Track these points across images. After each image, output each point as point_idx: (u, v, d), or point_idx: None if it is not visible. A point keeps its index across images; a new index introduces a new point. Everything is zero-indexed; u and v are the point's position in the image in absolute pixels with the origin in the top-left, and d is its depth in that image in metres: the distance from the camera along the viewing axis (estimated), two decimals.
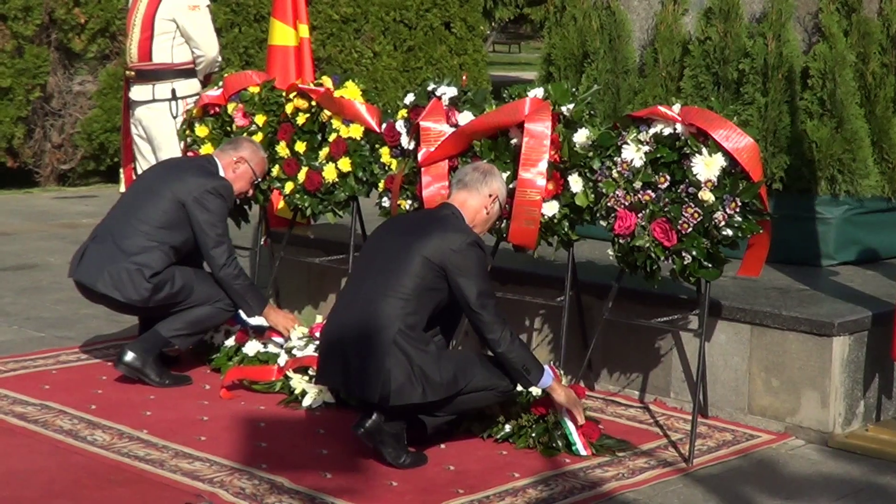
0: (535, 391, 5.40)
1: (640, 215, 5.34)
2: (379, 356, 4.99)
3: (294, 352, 6.11)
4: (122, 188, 8.50)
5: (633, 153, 5.38)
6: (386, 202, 6.38)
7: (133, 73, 8.17)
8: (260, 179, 6.67)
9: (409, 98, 6.34)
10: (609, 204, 5.44)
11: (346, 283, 5.54)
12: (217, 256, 6.24)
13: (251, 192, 6.67)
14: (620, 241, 5.42)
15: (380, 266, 5.20)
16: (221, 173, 6.42)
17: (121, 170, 8.65)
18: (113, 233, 6.25)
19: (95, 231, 6.39)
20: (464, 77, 6.77)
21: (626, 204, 5.37)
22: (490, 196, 5.39)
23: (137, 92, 8.16)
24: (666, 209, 5.27)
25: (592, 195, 5.55)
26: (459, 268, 5.11)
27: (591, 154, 5.56)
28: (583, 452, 5.25)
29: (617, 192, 5.40)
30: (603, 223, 5.51)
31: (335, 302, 5.40)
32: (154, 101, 8.11)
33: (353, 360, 5.08)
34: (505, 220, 5.78)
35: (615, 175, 5.43)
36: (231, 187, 6.37)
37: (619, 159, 5.42)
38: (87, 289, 6.25)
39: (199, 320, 6.30)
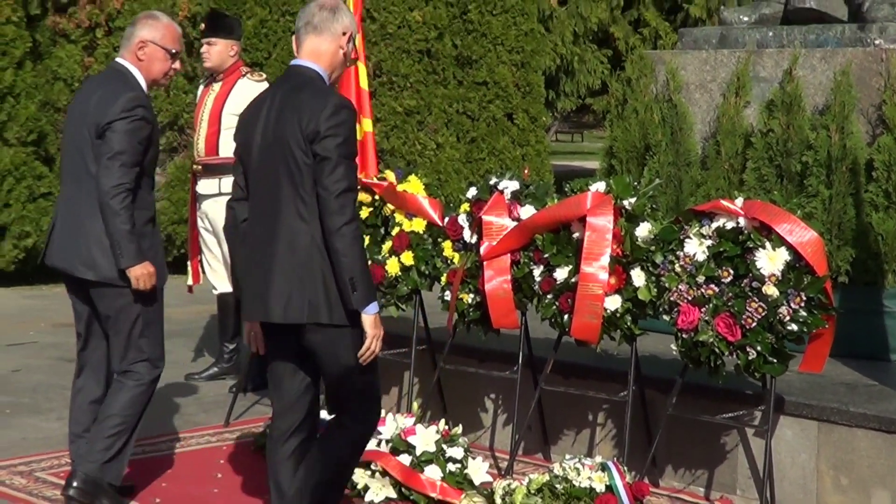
0: (597, 486, 5.36)
1: (703, 310, 5.31)
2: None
3: None
4: (190, 280, 8.58)
5: (696, 247, 5.38)
6: (448, 295, 6.39)
7: (200, 166, 8.28)
8: (176, 50, 5.87)
9: (472, 192, 6.38)
10: (672, 298, 5.42)
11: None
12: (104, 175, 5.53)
13: (174, 69, 5.94)
14: (684, 335, 5.40)
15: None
16: (132, 71, 5.80)
17: (188, 262, 8.72)
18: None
19: None
20: (525, 171, 6.80)
21: (690, 298, 5.36)
22: (344, 34, 4.91)
23: (204, 186, 8.26)
24: (730, 304, 5.24)
25: (655, 289, 5.54)
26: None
27: (653, 248, 5.55)
28: None
29: (680, 287, 5.39)
30: (666, 317, 5.49)
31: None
32: (220, 194, 8.19)
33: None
34: (567, 315, 5.77)
35: (678, 269, 5.41)
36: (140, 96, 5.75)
37: (681, 253, 5.41)
38: None
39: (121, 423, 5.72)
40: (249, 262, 4.84)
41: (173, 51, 5.87)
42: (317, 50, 4.89)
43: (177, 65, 5.97)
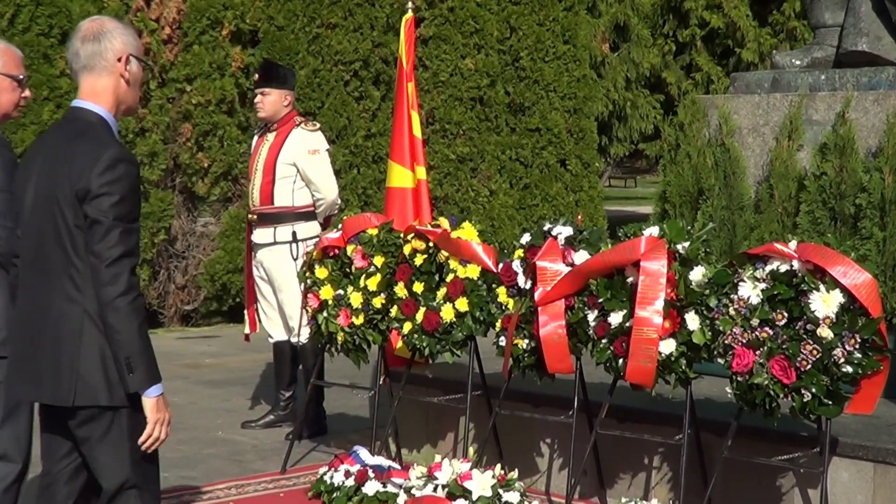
0: None
1: (758, 353, 5.31)
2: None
3: (413, 491, 6.13)
4: (247, 329, 8.66)
5: (750, 290, 5.38)
6: (503, 341, 6.42)
7: (255, 216, 8.36)
8: (23, 77, 5.26)
9: (526, 238, 6.42)
10: (726, 341, 5.42)
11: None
12: None
13: (23, 99, 5.28)
14: (739, 378, 5.40)
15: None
16: None
17: (244, 311, 8.80)
18: None
19: None
20: (579, 216, 6.83)
21: (744, 341, 5.36)
22: (119, 60, 4.27)
23: (259, 235, 8.34)
24: (784, 346, 5.24)
25: (709, 333, 5.54)
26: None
27: (707, 292, 5.56)
28: None
29: (734, 330, 5.39)
30: (721, 360, 5.49)
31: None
32: (275, 243, 8.27)
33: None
34: (622, 359, 5.78)
35: (732, 312, 5.42)
36: None
37: (735, 297, 5.42)
38: None
39: None
40: (20, 334, 4.32)
41: (20, 77, 5.22)
42: (93, 89, 4.27)
43: (27, 93, 5.32)
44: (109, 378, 4.09)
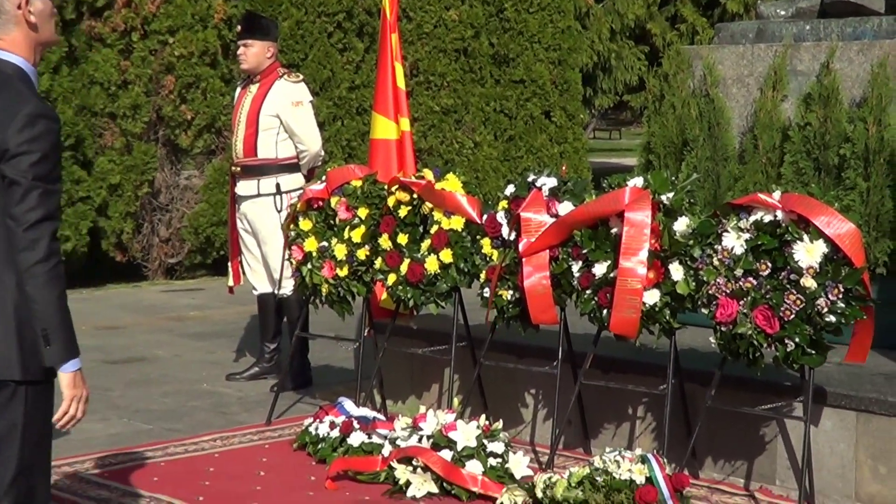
0: (637, 478, 5.37)
1: (741, 303, 5.33)
2: None
3: (398, 442, 6.15)
4: (231, 281, 8.65)
5: (734, 241, 5.39)
6: (487, 292, 6.42)
7: (238, 168, 8.34)
8: None
9: (510, 189, 6.41)
10: (710, 292, 5.44)
11: None
12: None
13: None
14: (722, 328, 5.41)
15: None
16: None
17: (228, 263, 8.79)
18: None
19: None
20: (563, 167, 6.82)
21: (728, 291, 5.37)
22: (19, 7, 3.95)
23: (243, 187, 8.32)
24: (768, 296, 5.25)
25: (693, 283, 5.55)
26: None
27: (691, 242, 5.57)
28: None
29: (718, 280, 5.40)
30: (704, 311, 5.51)
31: None
32: (259, 195, 8.25)
33: None
34: (606, 310, 5.79)
35: (716, 263, 5.43)
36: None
37: (719, 247, 5.43)
38: None
39: None
40: None
41: None
42: (3, 41, 3.96)
43: None
44: (24, 350, 3.81)
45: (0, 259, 3.80)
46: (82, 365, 3.86)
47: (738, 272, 5.35)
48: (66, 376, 3.81)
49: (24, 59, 3.96)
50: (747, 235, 5.37)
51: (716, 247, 5.45)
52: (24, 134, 3.76)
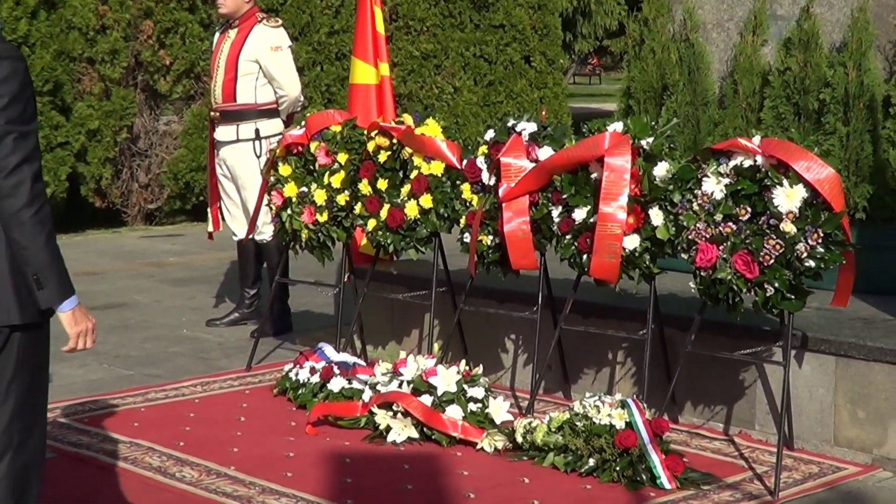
0: (617, 423, 5.40)
1: (721, 248, 5.33)
2: None
3: (378, 387, 6.16)
4: (210, 227, 8.63)
5: (714, 186, 5.39)
6: (467, 238, 6.42)
7: (217, 113, 8.30)
8: None
9: (490, 134, 6.39)
10: (690, 237, 5.44)
11: None
12: None
13: None
14: (702, 273, 5.42)
15: None
16: None
17: (208, 209, 8.77)
18: None
19: None
20: (543, 112, 6.81)
21: (707, 236, 5.37)
22: None
23: (222, 132, 8.28)
24: (747, 241, 5.26)
25: (673, 228, 5.55)
26: None
27: (671, 187, 5.56)
28: (667, 486, 5.24)
29: (698, 225, 5.41)
30: (684, 256, 5.51)
31: None
32: (238, 141, 8.22)
33: None
34: (586, 255, 5.80)
35: (696, 208, 5.43)
36: None
37: (699, 192, 5.42)
38: None
39: None
40: None
41: None
42: None
43: None
44: (20, 295, 3.76)
45: None
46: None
47: (718, 217, 5.35)
48: (65, 315, 3.82)
49: None
50: (727, 180, 5.37)
51: (695, 192, 5.45)
52: None
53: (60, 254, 3.80)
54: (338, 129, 7.04)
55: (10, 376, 3.81)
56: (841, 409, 5.69)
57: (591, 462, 5.41)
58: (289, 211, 7.12)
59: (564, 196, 5.93)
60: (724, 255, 5.32)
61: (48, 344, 3.94)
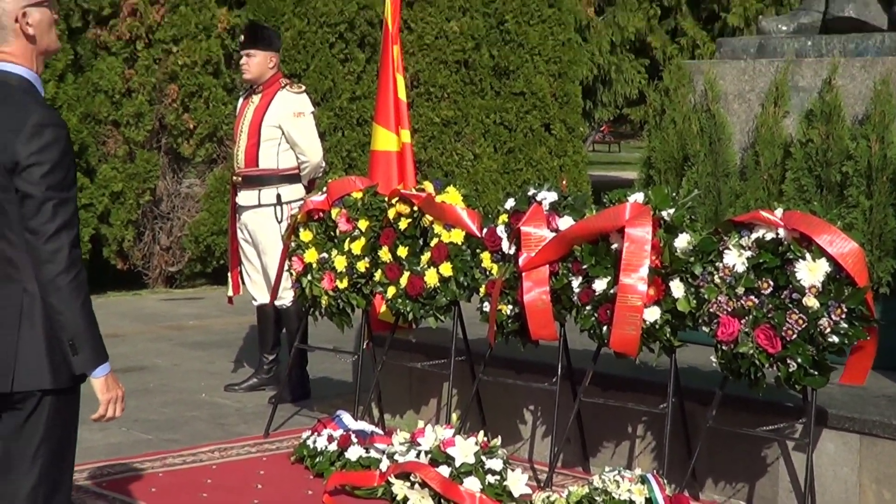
0: (637, 498, 5.34)
1: (743, 321, 5.30)
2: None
3: (396, 457, 6.11)
4: (230, 291, 8.63)
5: (736, 258, 5.37)
6: (487, 307, 6.40)
7: (239, 178, 8.32)
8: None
9: (510, 203, 6.39)
10: (711, 310, 5.41)
11: None
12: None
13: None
14: (724, 347, 5.39)
15: None
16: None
17: (228, 273, 8.77)
18: None
19: None
20: (563, 182, 6.80)
21: (729, 310, 5.34)
22: (16, 21, 3.90)
23: (244, 197, 8.30)
24: (770, 315, 5.23)
25: (694, 301, 5.53)
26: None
27: (692, 259, 5.54)
28: None
29: (719, 298, 5.38)
30: (705, 329, 5.48)
31: None
32: (259, 205, 8.24)
33: None
34: (606, 326, 5.77)
35: (717, 280, 5.40)
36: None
37: (721, 265, 5.40)
38: None
39: None
40: None
41: None
42: (5, 53, 3.93)
43: None
44: (54, 360, 3.82)
45: (25, 272, 3.81)
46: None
47: (740, 290, 5.32)
48: (98, 381, 3.87)
49: (26, 68, 3.93)
50: (749, 253, 5.35)
51: (717, 264, 5.43)
52: (33, 145, 3.74)
53: (95, 320, 3.85)
54: (359, 195, 7.05)
55: (39, 440, 3.86)
56: (866, 490, 5.62)
57: None
58: (309, 277, 7.12)
59: (585, 266, 5.91)
60: (746, 329, 5.28)
61: (78, 409, 3.98)
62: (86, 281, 3.84)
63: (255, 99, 8.35)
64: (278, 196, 8.21)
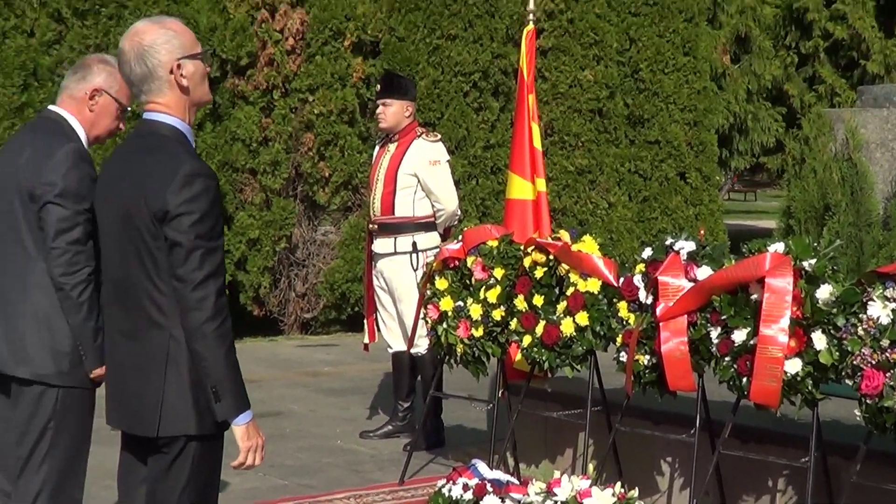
0: None
1: (888, 375, 5.19)
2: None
3: None
4: (366, 338, 8.69)
5: (880, 310, 5.26)
6: (623, 357, 6.35)
7: (375, 226, 8.40)
8: (128, 108, 4.96)
9: (647, 252, 6.35)
10: (855, 362, 5.30)
11: None
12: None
13: (119, 129, 5.00)
14: (868, 400, 5.27)
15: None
16: (75, 126, 4.87)
17: (364, 320, 8.83)
18: None
19: None
20: (701, 231, 6.75)
21: (874, 362, 5.23)
22: (171, 72, 4.03)
23: (379, 245, 8.37)
24: None
25: (837, 353, 5.42)
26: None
27: (834, 310, 5.45)
28: None
29: (863, 350, 5.27)
30: (849, 382, 5.37)
31: None
32: (395, 253, 8.30)
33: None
34: (746, 378, 5.69)
35: (861, 332, 5.30)
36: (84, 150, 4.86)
37: (864, 316, 5.30)
38: None
39: None
40: (109, 359, 4.15)
41: (127, 108, 4.96)
42: (158, 104, 4.06)
43: (122, 125, 5.03)
44: (198, 406, 3.91)
45: (172, 318, 3.89)
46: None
47: (885, 343, 5.21)
48: (239, 429, 3.94)
49: (178, 119, 4.04)
50: (894, 305, 5.24)
51: (860, 316, 5.32)
52: (183, 194, 3.83)
53: (239, 368, 3.92)
54: (495, 244, 7.07)
55: (183, 483, 3.96)
56: None
57: None
58: (445, 325, 7.14)
59: (724, 317, 5.84)
60: (892, 383, 5.17)
61: (221, 455, 4.06)
62: (230, 329, 3.91)
63: (392, 147, 8.43)
64: (414, 244, 8.26)
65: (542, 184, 8.15)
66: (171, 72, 4.01)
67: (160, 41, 4.02)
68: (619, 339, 6.41)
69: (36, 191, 4.66)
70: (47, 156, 4.71)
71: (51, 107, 4.94)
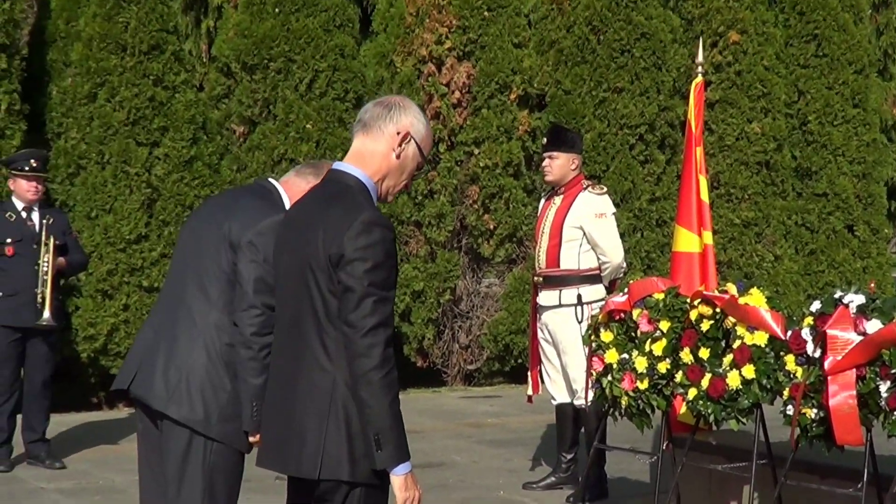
0: None
1: None
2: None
3: None
4: (530, 390, 8.74)
5: None
6: (790, 410, 6.30)
7: (541, 278, 8.46)
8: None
9: (816, 305, 6.30)
10: None
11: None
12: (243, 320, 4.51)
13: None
14: None
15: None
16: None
17: (527, 372, 8.89)
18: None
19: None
20: (871, 284, 6.67)
21: None
22: (398, 134, 4.14)
23: (545, 297, 8.43)
24: None
25: None
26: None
27: None
28: None
29: None
30: None
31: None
32: (560, 306, 8.35)
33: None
34: None
35: None
36: None
37: None
38: None
39: None
40: (269, 401, 4.20)
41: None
42: (361, 151, 4.15)
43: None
44: (354, 452, 3.92)
45: (338, 362, 3.94)
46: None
47: None
48: (397, 479, 3.94)
49: (367, 175, 4.12)
50: None
51: None
52: (360, 241, 3.90)
53: (402, 419, 3.95)
54: (661, 296, 7.07)
55: None
56: None
57: None
58: (609, 377, 7.16)
59: (893, 371, 5.77)
60: None
61: None
62: (396, 379, 3.95)
63: (557, 200, 8.50)
64: (579, 296, 8.31)
65: (708, 237, 8.13)
66: (398, 134, 4.13)
67: (414, 112, 4.18)
68: (785, 393, 6.36)
69: (241, 241, 4.53)
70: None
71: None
